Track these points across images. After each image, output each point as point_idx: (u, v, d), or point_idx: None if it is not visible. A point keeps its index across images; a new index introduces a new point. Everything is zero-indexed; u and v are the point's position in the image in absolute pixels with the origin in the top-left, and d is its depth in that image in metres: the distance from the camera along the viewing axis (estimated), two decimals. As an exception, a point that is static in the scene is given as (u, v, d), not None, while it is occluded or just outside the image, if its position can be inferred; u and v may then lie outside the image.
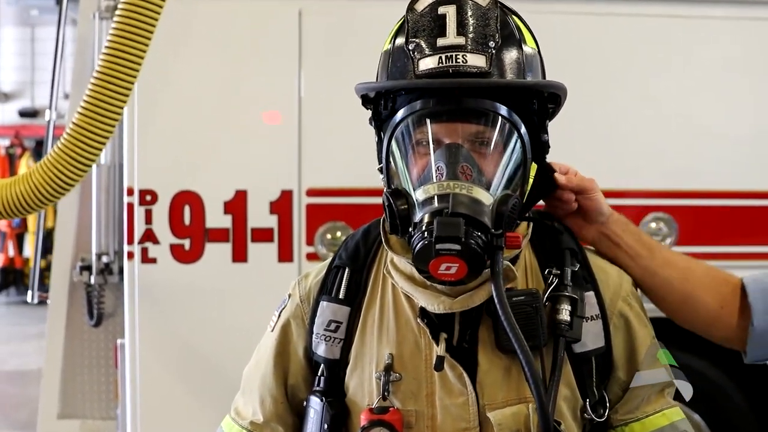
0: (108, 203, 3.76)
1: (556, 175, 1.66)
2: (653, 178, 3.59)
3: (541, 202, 1.71)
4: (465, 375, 1.56)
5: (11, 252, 12.26)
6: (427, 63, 1.50)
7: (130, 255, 3.42)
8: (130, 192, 3.40)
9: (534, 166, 1.60)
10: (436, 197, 1.46)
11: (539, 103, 1.57)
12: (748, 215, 3.65)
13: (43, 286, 4.46)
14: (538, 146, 1.59)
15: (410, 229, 1.48)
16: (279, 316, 1.73)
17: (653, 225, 3.61)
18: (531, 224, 1.66)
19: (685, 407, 3.89)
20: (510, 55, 1.54)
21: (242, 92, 3.44)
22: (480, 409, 1.56)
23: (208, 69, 3.43)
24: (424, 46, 1.52)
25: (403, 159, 1.55)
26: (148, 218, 3.40)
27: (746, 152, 3.61)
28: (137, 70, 2.70)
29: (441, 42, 1.51)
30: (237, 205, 3.42)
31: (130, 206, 3.40)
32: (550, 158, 1.65)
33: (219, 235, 3.42)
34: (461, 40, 1.50)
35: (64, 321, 3.91)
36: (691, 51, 3.61)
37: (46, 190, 2.71)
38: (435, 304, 1.55)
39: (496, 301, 1.45)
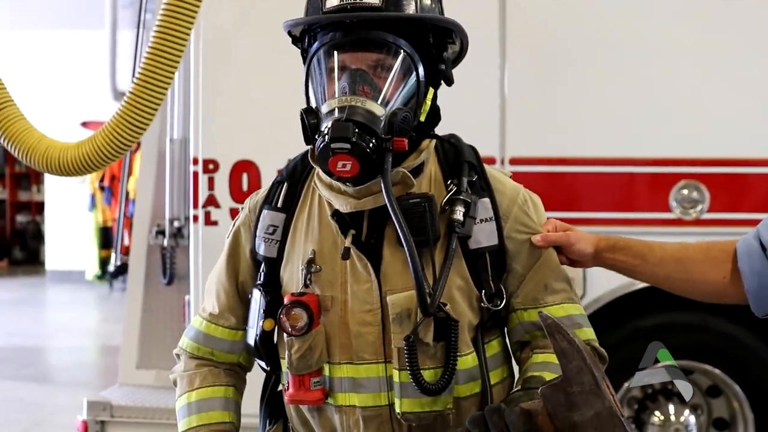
0: (179, 173, 4.17)
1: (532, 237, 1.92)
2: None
3: None
4: (369, 265, 1.85)
5: (127, 241, 12.92)
6: (332, 1, 1.83)
7: (195, 218, 3.79)
8: (195, 161, 3.77)
9: (431, 91, 1.88)
10: (336, 109, 1.77)
11: (435, 37, 1.86)
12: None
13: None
14: (436, 75, 1.88)
15: (316, 137, 1.79)
16: (234, 225, 2.06)
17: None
18: (433, 140, 1.93)
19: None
20: None
21: (294, 70, 3.74)
22: (382, 294, 1.84)
23: (265, 49, 3.72)
24: None
25: (314, 83, 1.86)
26: (211, 185, 3.75)
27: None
28: (183, 45, 3.07)
29: None
30: (289, 173, 3.74)
31: (195, 174, 3.77)
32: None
33: (274, 201, 3.75)
34: None
35: (143, 280, 4.34)
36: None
37: (108, 150, 3.11)
38: (344, 205, 1.86)
39: (382, 190, 1.75)
